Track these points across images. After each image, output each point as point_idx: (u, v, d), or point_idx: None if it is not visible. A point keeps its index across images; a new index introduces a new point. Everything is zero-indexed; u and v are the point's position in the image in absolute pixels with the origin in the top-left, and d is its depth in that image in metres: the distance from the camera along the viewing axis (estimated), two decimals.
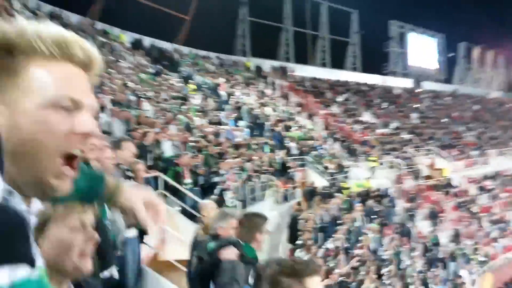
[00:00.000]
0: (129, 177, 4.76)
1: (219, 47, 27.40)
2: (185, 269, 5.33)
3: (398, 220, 16.48)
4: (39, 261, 0.66)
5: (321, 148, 20.62)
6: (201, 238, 4.39)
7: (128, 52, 18.18)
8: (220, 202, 9.50)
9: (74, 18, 17.95)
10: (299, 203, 14.50)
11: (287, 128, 20.37)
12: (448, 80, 43.37)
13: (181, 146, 10.80)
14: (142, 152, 8.11)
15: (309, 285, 1.65)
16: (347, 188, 17.72)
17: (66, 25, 15.81)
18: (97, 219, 1.34)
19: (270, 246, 10.56)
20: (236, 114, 18.48)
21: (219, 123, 15.96)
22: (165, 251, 6.94)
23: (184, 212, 8.66)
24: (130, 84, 13.65)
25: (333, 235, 12.18)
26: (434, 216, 17.88)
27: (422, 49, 41.10)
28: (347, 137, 24.09)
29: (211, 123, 15.31)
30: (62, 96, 0.70)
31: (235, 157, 12.55)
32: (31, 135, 0.67)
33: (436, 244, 15.37)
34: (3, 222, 0.59)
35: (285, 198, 14.87)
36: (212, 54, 26.26)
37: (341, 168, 19.48)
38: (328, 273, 9.16)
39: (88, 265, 1.24)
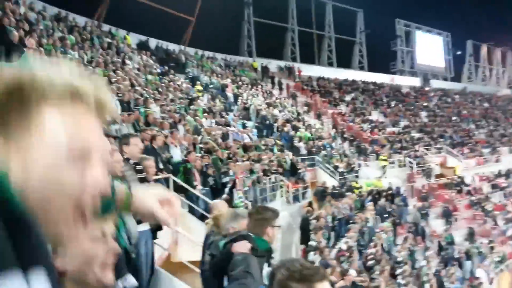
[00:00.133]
0: (139, 171, 4.66)
1: (225, 48, 27.35)
2: (197, 270, 5.25)
3: (411, 219, 16.22)
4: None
5: (330, 148, 20.42)
6: (214, 237, 4.34)
7: (134, 54, 18.09)
8: (230, 203, 9.37)
9: (80, 20, 17.91)
10: (310, 203, 14.30)
11: (295, 128, 20.18)
12: (456, 78, 43.02)
13: (190, 149, 10.65)
14: (152, 155, 7.97)
15: None
16: (358, 188, 17.50)
17: (72, 27, 15.74)
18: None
19: (282, 246, 10.40)
20: (243, 115, 18.35)
21: (227, 124, 15.81)
22: (178, 253, 6.86)
23: (194, 212, 8.55)
24: (137, 88, 13.55)
25: (345, 235, 11.96)
26: (447, 215, 17.60)
27: (429, 47, 40.81)
28: (356, 136, 23.86)
29: (218, 124, 15.17)
30: (74, 145, 0.68)
31: (244, 160, 12.41)
32: (43, 191, 0.65)
33: (451, 243, 15.09)
34: None
35: (296, 199, 14.70)
36: (218, 55, 26.17)
37: (351, 168, 19.26)
38: (343, 274, 8.93)
39: (110, 277, 1.22)
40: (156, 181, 7.15)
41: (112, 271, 1.25)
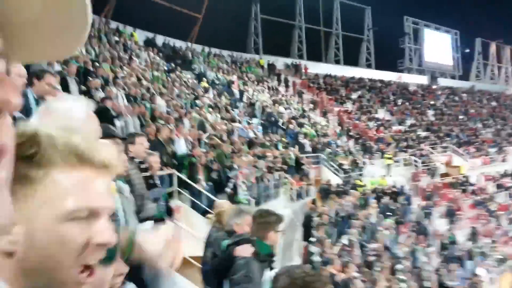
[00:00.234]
0: (144, 170, 4.76)
1: (232, 45, 27.42)
2: (199, 265, 5.32)
3: (414, 218, 16.25)
4: None
5: (335, 145, 20.47)
6: (216, 234, 4.37)
7: (141, 50, 18.25)
8: (234, 198, 9.49)
9: None
10: (313, 201, 14.40)
11: (301, 126, 20.25)
12: (464, 77, 42.71)
13: (195, 144, 10.78)
14: (157, 148, 8.11)
15: None
16: (362, 186, 17.56)
17: None
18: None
19: (284, 243, 10.50)
20: (249, 112, 18.46)
21: (233, 120, 15.93)
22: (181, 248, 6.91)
23: (197, 208, 8.66)
24: (144, 82, 13.70)
25: (347, 232, 12.06)
26: (451, 214, 17.61)
27: (437, 45, 40.55)
28: (362, 134, 23.87)
29: (224, 119, 15.29)
30: (80, 207, 0.68)
31: (248, 155, 12.50)
32: (47, 250, 0.66)
33: (453, 242, 15.11)
34: None
35: (299, 196, 14.79)
36: (225, 52, 26.26)
37: (355, 165, 19.31)
38: (344, 267, 9.04)
39: None
40: (161, 177, 7.28)
41: None
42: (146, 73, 15.04)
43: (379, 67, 36.03)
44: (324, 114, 25.21)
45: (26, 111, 3.22)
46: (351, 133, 23.48)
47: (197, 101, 15.53)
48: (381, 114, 28.51)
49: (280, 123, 19.24)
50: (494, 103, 37.88)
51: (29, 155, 0.67)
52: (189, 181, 8.70)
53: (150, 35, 21.49)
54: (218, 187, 9.72)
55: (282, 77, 27.57)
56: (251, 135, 15.43)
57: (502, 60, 45.74)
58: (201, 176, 9.30)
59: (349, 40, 35.75)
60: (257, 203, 11.15)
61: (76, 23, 0.57)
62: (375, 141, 23.42)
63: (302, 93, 26.70)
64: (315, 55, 33.22)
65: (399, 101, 31.66)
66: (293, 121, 20.06)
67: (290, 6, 32.59)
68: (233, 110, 17.33)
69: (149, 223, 4.64)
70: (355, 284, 8.63)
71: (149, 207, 4.60)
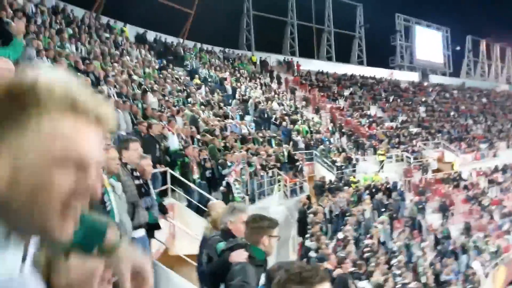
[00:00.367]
0: (136, 177, 4.66)
1: (224, 41, 27.28)
2: (195, 263, 5.27)
3: (407, 213, 16.31)
4: None
5: (328, 142, 20.46)
6: (210, 235, 4.31)
7: (133, 48, 18.04)
8: (227, 195, 9.41)
9: (78, 12, 17.81)
10: (307, 197, 14.36)
11: (294, 122, 20.20)
12: (455, 74, 43.01)
13: (188, 140, 10.66)
14: (149, 144, 7.98)
15: None
16: (356, 182, 17.57)
17: (70, 19, 15.67)
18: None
19: (279, 241, 10.45)
20: (242, 108, 18.35)
21: (225, 116, 15.82)
22: (175, 246, 6.88)
23: (191, 205, 8.57)
24: (135, 77, 13.53)
25: (342, 228, 12.04)
26: (444, 209, 17.71)
27: (428, 42, 40.75)
28: (354, 131, 23.90)
29: (216, 116, 15.17)
30: (68, 155, 0.69)
31: (241, 151, 12.40)
32: (31, 193, 0.66)
33: (447, 237, 15.21)
34: None
35: (293, 192, 14.75)
36: (217, 48, 26.10)
37: (348, 162, 19.32)
38: (340, 262, 8.99)
39: None
40: (153, 175, 7.15)
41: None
42: (137, 70, 14.86)
43: (370, 64, 36.11)
44: (317, 111, 25.20)
45: None
46: (343, 130, 23.50)
47: (190, 98, 15.39)
48: (373, 110, 28.59)
49: (272, 120, 19.17)
50: (484, 100, 38.22)
51: (27, 98, 0.67)
52: (183, 179, 8.60)
53: (141, 30, 21.28)
54: (212, 184, 9.64)
55: (275, 73, 27.50)
56: (244, 131, 15.34)
57: (492, 58, 46.14)
58: (194, 173, 9.20)
59: (341, 37, 35.77)
60: (252, 200, 11.10)
61: None
62: (367, 138, 23.47)
63: (295, 90, 26.65)
64: (307, 52, 33.20)
65: (391, 98, 31.79)
66: (286, 118, 20.00)
67: (282, 3, 32.50)
68: (225, 107, 17.22)
69: (141, 231, 4.55)
70: (351, 279, 8.61)
71: (141, 214, 4.51)
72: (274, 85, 26.11)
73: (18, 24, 7.93)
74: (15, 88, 0.68)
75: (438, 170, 22.72)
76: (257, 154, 13.52)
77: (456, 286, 12.49)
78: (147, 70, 15.91)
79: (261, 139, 15.60)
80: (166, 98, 13.63)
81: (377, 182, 18.18)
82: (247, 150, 12.85)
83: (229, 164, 10.17)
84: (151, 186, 5.25)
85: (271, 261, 3.15)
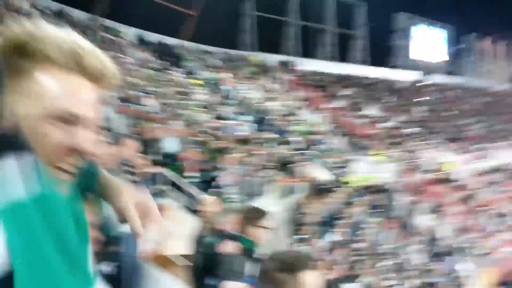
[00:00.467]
0: (131, 173, 4.90)
1: (224, 42, 27.43)
2: (189, 263, 5.45)
3: (400, 214, 16.55)
4: None
5: (326, 143, 20.67)
6: (203, 233, 4.47)
7: (133, 48, 18.33)
8: (222, 197, 9.70)
9: (80, 15, 18.12)
10: (303, 198, 14.61)
11: (292, 123, 20.43)
12: (455, 73, 43.00)
13: (185, 141, 10.95)
14: (145, 147, 8.29)
15: (303, 279, 1.65)
16: (351, 182, 17.76)
17: (73, 23, 16.00)
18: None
19: (273, 241, 10.70)
20: (240, 109, 18.61)
21: (224, 118, 16.09)
22: (167, 246, 7.05)
23: (186, 206, 8.85)
24: (135, 80, 13.81)
25: (334, 229, 12.31)
26: (437, 210, 17.91)
27: (429, 41, 40.75)
28: (352, 131, 24.09)
29: (215, 117, 15.44)
30: (62, 109, 0.69)
31: (238, 153, 12.67)
32: (30, 136, 0.67)
33: (439, 238, 15.45)
34: None
35: (289, 193, 14.98)
36: (217, 49, 26.29)
37: (345, 162, 19.53)
38: (330, 266, 9.30)
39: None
40: (149, 175, 7.44)
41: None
42: (137, 72, 15.16)
43: (371, 63, 36.21)
44: (316, 111, 25.38)
45: None
46: (341, 130, 23.69)
47: (189, 100, 15.68)
48: (372, 110, 28.73)
49: (272, 121, 19.42)
50: (484, 99, 38.22)
51: (28, 50, 0.69)
52: (178, 180, 8.89)
53: (141, 32, 21.52)
54: (207, 185, 9.93)
55: (275, 74, 27.68)
56: (243, 133, 15.59)
57: (493, 57, 46.07)
58: (190, 175, 9.49)
59: (341, 37, 35.88)
60: (245, 200, 11.35)
61: None
62: (365, 138, 23.65)
63: (294, 90, 26.84)
64: (308, 52, 33.33)
65: (390, 98, 31.89)
66: (284, 118, 20.24)
67: (283, 3, 32.62)
68: (224, 108, 17.49)
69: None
70: (342, 283, 8.88)
71: None
72: (274, 86, 26.32)
73: None
74: (15, 40, 0.69)
75: (433, 170, 22.87)
76: (254, 153, 13.79)
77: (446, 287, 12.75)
78: (147, 71, 16.21)
79: (260, 141, 15.85)
80: (166, 99, 13.94)
81: (372, 182, 18.37)
82: (244, 152, 13.12)
83: (223, 167, 10.45)
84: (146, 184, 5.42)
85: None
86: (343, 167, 19.10)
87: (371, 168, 20.46)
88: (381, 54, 37.57)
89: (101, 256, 2.70)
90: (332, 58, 34.70)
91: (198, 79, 19.47)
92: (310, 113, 25.06)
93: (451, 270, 13.44)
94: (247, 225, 3.23)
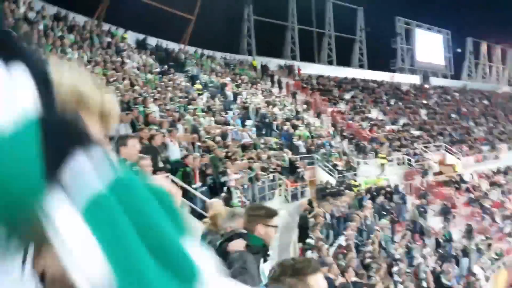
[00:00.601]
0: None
1: (225, 47, 27.36)
2: None
3: (409, 216, 16.31)
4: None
5: (330, 146, 20.48)
6: (211, 237, 4.30)
7: (134, 53, 18.16)
8: (229, 202, 9.45)
9: (80, 19, 17.95)
10: (309, 202, 14.39)
11: (295, 127, 20.24)
12: (456, 76, 43.01)
13: (189, 148, 10.73)
14: (150, 153, 8.05)
15: (311, 282, 1.70)
16: (357, 186, 17.57)
17: (72, 26, 15.81)
18: None
19: (280, 245, 10.47)
20: (243, 114, 18.41)
21: (226, 123, 15.89)
22: None
23: (192, 212, 8.63)
24: (136, 84, 13.62)
25: (343, 233, 12.05)
26: (446, 212, 17.69)
27: (429, 45, 40.81)
28: (355, 135, 23.92)
29: (218, 123, 15.24)
30: None
31: (243, 159, 12.47)
32: None
33: (449, 240, 15.19)
34: None
35: (294, 197, 14.78)
36: (218, 54, 26.20)
37: (350, 166, 19.33)
38: (342, 271, 9.02)
39: None
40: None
41: None
42: (138, 77, 14.98)
43: (371, 67, 36.16)
44: (318, 115, 25.22)
45: None
46: (344, 134, 23.52)
47: (190, 105, 15.47)
48: (374, 114, 28.61)
49: (274, 125, 19.22)
50: (485, 102, 38.18)
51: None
52: (184, 185, 8.66)
53: (142, 36, 21.40)
54: (213, 191, 9.70)
55: (275, 78, 27.56)
56: (245, 138, 15.39)
57: (493, 59, 46.14)
58: (196, 181, 9.27)
59: (342, 41, 35.85)
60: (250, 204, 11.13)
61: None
62: (368, 141, 23.47)
63: (296, 94, 26.70)
64: (308, 56, 33.27)
65: (392, 101, 31.79)
66: (287, 122, 20.05)
67: (283, 7, 32.62)
68: (226, 113, 17.29)
69: None
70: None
71: None
72: (275, 90, 26.17)
73: None
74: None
75: (439, 173, 22.70)
76: (258, 158, 13.58)
77: None
78: (148, 76, 16.03)
79: (262, 145, 15.65)
80: (167, 104, 13.73)
81: (378, 185, 18.19)
82: (248, 159, 12.91)
83: (229, 173, 10.25)
84: None
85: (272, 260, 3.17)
86: (349, 170, 18.89)
87: (378, 171, 20.27)
88: (382, 58, 37.55)
89: None
90: (333, 62, 34.65)
91: (200, 83, 19.28)
92: (313, 116, 24.90)
93: (465, 272, 13.16)
94: (253, 222, 3.16)
